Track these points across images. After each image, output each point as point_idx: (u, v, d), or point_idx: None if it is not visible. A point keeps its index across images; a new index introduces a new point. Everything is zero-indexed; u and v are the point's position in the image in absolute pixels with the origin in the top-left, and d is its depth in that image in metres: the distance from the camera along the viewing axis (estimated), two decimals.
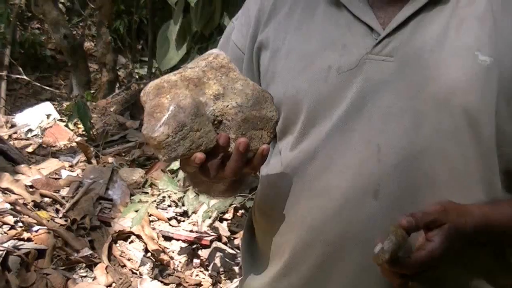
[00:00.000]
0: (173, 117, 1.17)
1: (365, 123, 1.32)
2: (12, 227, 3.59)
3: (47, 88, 8.85)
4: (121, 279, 3.54)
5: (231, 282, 3.83)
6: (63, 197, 4.15)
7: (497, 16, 1.32)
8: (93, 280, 3.57)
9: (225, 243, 4.12)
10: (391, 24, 1.34)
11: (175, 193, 4.38)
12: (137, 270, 3.83)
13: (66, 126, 6.00)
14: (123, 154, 5.37)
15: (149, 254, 3.96)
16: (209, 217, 4.19)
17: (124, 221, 4.05)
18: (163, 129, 1.17)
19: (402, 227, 1.16)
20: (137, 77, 9.18)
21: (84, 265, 3.62)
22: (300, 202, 1.39)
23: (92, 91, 7.88)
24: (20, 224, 3.65)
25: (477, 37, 1.31)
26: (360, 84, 1.33)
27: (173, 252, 4.12)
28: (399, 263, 1.18)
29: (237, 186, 1.51)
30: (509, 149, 1.31)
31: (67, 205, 4.02)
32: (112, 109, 6.77)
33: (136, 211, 3.93)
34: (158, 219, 4.31)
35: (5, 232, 3.53)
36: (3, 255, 3.30)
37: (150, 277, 3.83)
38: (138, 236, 4.02)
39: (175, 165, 4.21)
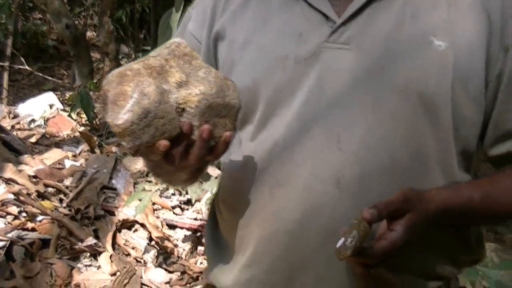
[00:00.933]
0: (137, 104, 1.16)
1: (324, 112, 1.32)
2: (16, 217, 3.60)
3: (50, 78, 8.84)
4: (125, 267, 3.54)
5: None
6: (67, 187, 4.16)
7: (451, 1, 1.33)
8: (97, 269, 3.58)
9: None
10: (346, 12, 1.34)
11: None
12: (142, 258, 3.84)
13: (69, 116, 6.01)
14: None
15: (153, 243, 3.97)
16: None
17: (128, 210, 4.05)
18: (128, 116, 1.16)
19: (365, 220, 1.16)
20: None
21: (88, 254, 3.63)
22: (262, 194, 1.39)
23: (95, 81, 7.88)
24: (24, 214, 3.65)
25: (432, 23, 1.32)
26: (317, 72, 1.33)
27: (177, 240, 4.13)
28: (361, 254, 1.18)
29: (198, 175, 1.52)
30: (465, 131, 1.34)
31: (71, 195, 4.02)
32: None
33: (140, 199, 3.94)
34: (162, 207, 4.32)
35: (9, 222, 3.54)
36: (7, 245, 3.31)
37: (155, 265, 3.84)
38: (142, 225, 4.02)
39: None
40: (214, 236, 1.59)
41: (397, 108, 1.30)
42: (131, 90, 1.17)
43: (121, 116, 1.16)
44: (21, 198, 3.77)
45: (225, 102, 1.26)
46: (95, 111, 6.00)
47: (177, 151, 1.22)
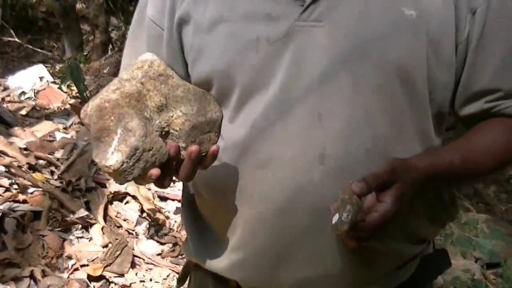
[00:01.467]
0: (124, 141, 1.16)
1: (303, 91, 1.32)
2: (7, 190, 3.59)
3: (40, 50, 8.79)
4: (117, 239, 3.55)
5: None
6: (58, 159, 4.15)
7: None
8: (89, 240, 3.59)
9: None
10: None
11: None
12: (133, 230, 3.85)
13: (60, 88, 5.99)
14: None
15: (144, 215, 3.97)
16: None
17: None
18: (116, 157, 1.15)
19: (355, 194, 1.16)
20: None
21: (80, 226, 3.63)
22: (246, 175, 1.38)
23: (85, 53, 7.84)
24: (15, 186, 3.64)
25: None
26: (292, 52, 1.32)
27: (168, 212, 4.14)
28: (355, 229, 1.18)
29: None
30: (439, 95, 1.37)
31: (62, 167, 4.02)
32: (105, 71, 6.75)
33: None
34: None
35: (0, 195, 3.53)
36: None
37: (146, 237, 3.85)
38: (134, 197, 4.03)
39: None
40: (193, 216, 1.58)
41: (375, 80, 1.31)
42: (114, 125, 1.16)
43: (109, 156, 1.16)
44: (12, 170, 3.76)
45: (207, 119, 1.26)
46: (85, 83, 5.98)
47: (168, 176, 1.24)
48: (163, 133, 1.22)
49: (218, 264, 1.49)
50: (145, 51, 1.28)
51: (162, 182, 1.24)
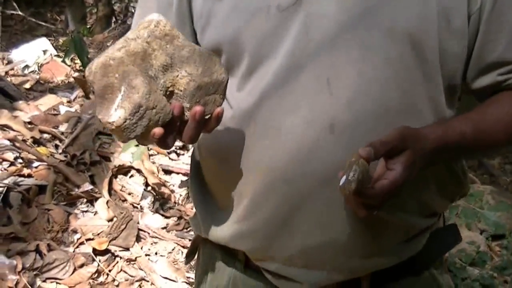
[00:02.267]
0: (127, 98, 1.15)
1: (312, 58, 1.31)
2: (12, 164, 3.59)
3: (43, 23, 8.77)
4: (122, 213, 3.55)
5: None
6: (62, 133, 4.14)
7: None
8: (94, 214, 3.59)
9: None
10: None
11: None
12: (138, 204, 3.85)
13: (63, 61, 5.97)
14: None
15: (149, 188, 3.97)
16: None
17: (124, 155, 4.04)
18: (120, 113, 1.15)
19: (361, 157, 1.16)
20: (133, 10, 9.07)
21: (85, 200, 3.63)
22: (255, 144, 1.38)
23: (88, 26, 7.81)
24: (20, 160, 3.64)
25: None
26: (302, 19, 1.32)
27: (173, 185, 4.14)
28: (363, 194, 1.18)
29: None
30: (451, 65, 1.36)
31: (67, 141, 4.01)
32: (109, 44, 6.71)
33: (137, 145, 3.93)
34: (158, 152, 4.31)
35: (5, 169, 3.53)
36: (3, 192, 3.31)
37: (151, 211, 3.85)
38: (138, 170, 4.02)
39: None
40: (200, 188, 1.58)
41: (385, 48, 1.31)
42: (118, 82, 1.16)
43: (113, 113, 1.15)
44: (17, 144, 3.76)
45: (212, 80, 1.25)
46: (89, 56, 5.95)
47: (171, 136, 1.23)
48: (168, 93, 1.22)
49: (225, 234, 1.49)
50: None
51: (165, 142, 1.23)
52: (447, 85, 1.38)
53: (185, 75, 1.23)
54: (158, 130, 1.18)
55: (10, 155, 3.63)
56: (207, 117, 1.25)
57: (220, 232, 1.50)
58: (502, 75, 1.40)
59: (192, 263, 1.75)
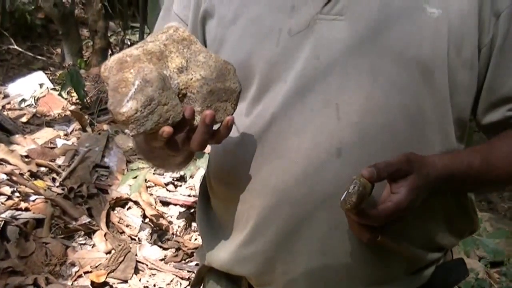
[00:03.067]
0: (140, 91, 1.16)
1: (321, 83, 1.32)
2: (9, 198, 3.59)
3: (39, 57, 8.78)
4: (120, 245, 3.55)
5: None
6: (59, 166, 4.15)
7: None
8: (92, 247, 3.59)
9: None
10: None
11: None
12: (136, 236, 3.85)
13: (60, 95, 5.98)
14: None
15: (147, 220, 3.97)
16: None
17: (121, 188, 4.05)
18: (131, 104, 1.16)
19: (363, 177, 1.17)
20: (129, 43, 9.08)
21: (83, 233, 3.63)
22: (261, 167, 1.38)
23: (84, 59, 7.84)
24: (17, 194, 3.65)
25: None
26: (312, 44, 1.33)
27: (171, 217, 4.13)
28: (366, 214, 1.19)
29: (192, 156, 1.51)
30: (460, 97, 1.36)
31: (64, 174, 4.02)
32: None
33: (135, 177, 3.93)
34: (155, 184, 4.32)
35: (2, 203, 3.54)
36: (1, 226, 3.31)
37: (149, 243, 3.85)
38: (136, 202, 4.03)
39: None
40: (207, 217, 1.58)
41: (394, 74, 1.31)
42: (133, 77, 1.17)
43: (125, 103, 1.16)
44: (14, 178, 3.76)
45: (225, 87, 1.26)
46: (85, 89, 5.97)
47: (180, 137, 1.22)
48: (180, 95, 1.23)
49: (229, 258, 1.49)
50: None
51: (173, 144, 1.22)
52: (456, 118, 1.38)
53: (199, 78, 1.24)
54: (167, 129, 1.18)
55: (7, 189, 3.64)
56: (217, 126, 1.25)
57: (224, 257, 1.50)
58: (511, 110, 1.40)
59: None
